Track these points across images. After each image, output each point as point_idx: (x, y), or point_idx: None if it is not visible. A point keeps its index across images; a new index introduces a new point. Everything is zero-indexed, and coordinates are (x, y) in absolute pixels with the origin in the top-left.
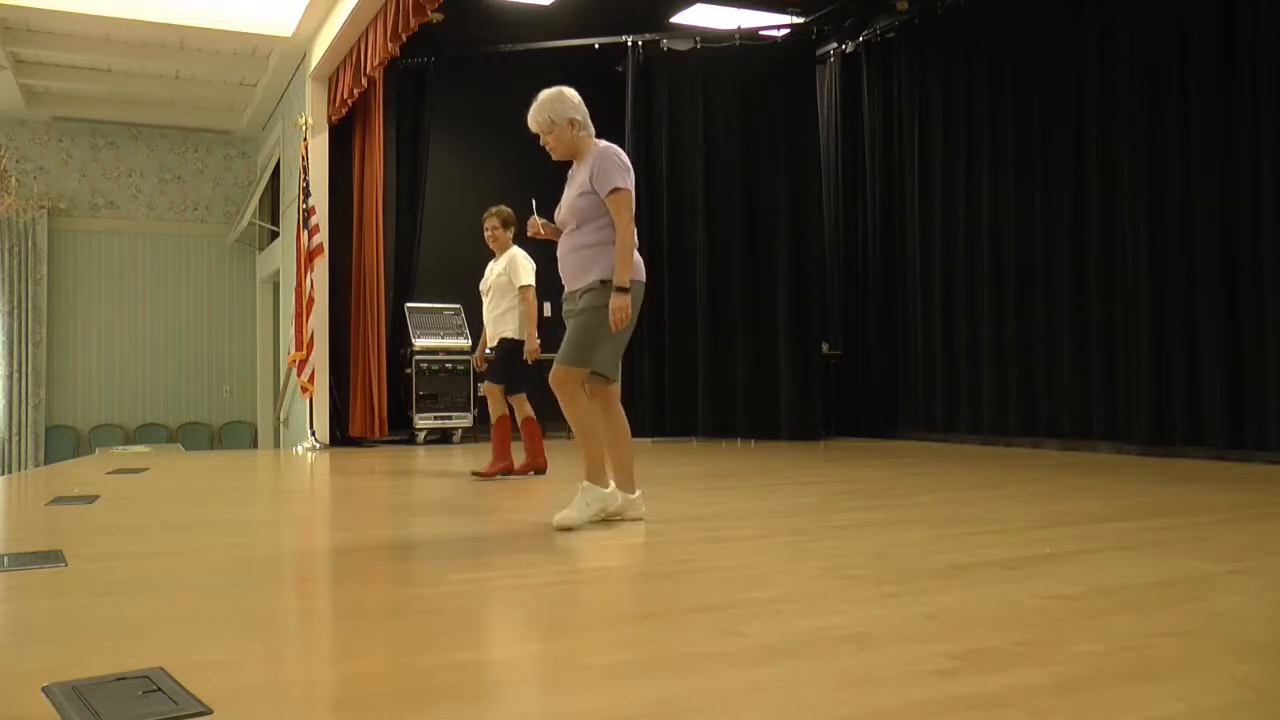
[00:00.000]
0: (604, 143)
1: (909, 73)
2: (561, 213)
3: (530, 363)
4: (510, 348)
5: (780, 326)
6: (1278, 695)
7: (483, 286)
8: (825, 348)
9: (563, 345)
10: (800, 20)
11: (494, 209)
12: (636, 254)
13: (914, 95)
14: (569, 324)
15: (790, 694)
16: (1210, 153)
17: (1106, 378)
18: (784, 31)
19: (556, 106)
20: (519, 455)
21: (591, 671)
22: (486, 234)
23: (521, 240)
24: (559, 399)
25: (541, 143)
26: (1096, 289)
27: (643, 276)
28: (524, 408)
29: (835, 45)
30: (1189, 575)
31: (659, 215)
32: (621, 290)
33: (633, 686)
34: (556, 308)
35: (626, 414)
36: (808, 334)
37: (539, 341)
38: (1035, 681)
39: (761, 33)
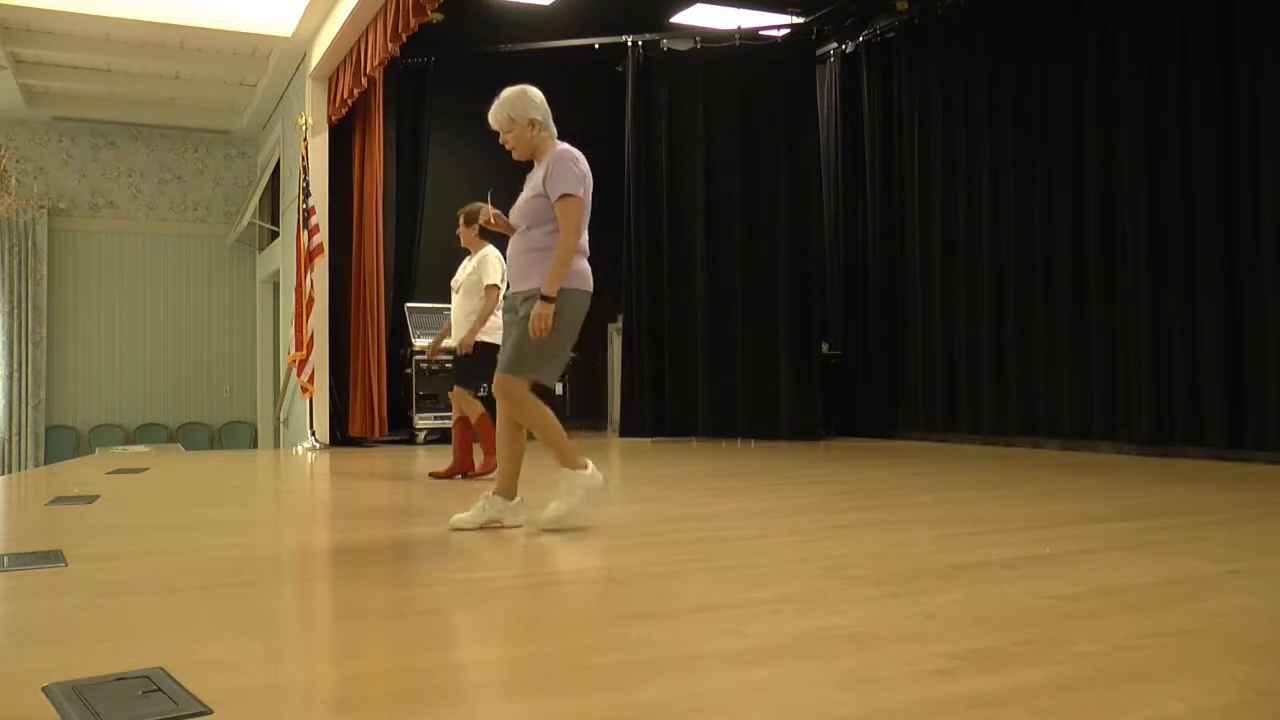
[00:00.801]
0: (564, 146)
1: (909, 73)
2: (514, 213)
3: (461, 354)
4: (481, 350)
5: (780, 326)
6: (1278, 695)
7: (453, 283)
8: (825, 348)
9: (504, 353)
10: (800, 20)
11: (462, 208)
12: (584, 262)
13: (914, 95)
14: (507, 323)
15: (790, 694)
16: (1210, 153)
17: (1106, 378)
18: (784, 31)
19: (517, 105)
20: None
21: (591, 671)
22: (457, 232)
23: (486, 233)
24: (507, 406)
25: (501, 141)
26: (1096, 289)
27: (588, 285)
28: (474, 407)
29: (835, 45)
30: (1189, 575)
31: (659, 215)
32: (546, 299)
33: (633, 686)
34: None
35: (627, 414)
36: (808, 334)
37: (475, 340)
38: (1035, 681)
39: (761, 33)
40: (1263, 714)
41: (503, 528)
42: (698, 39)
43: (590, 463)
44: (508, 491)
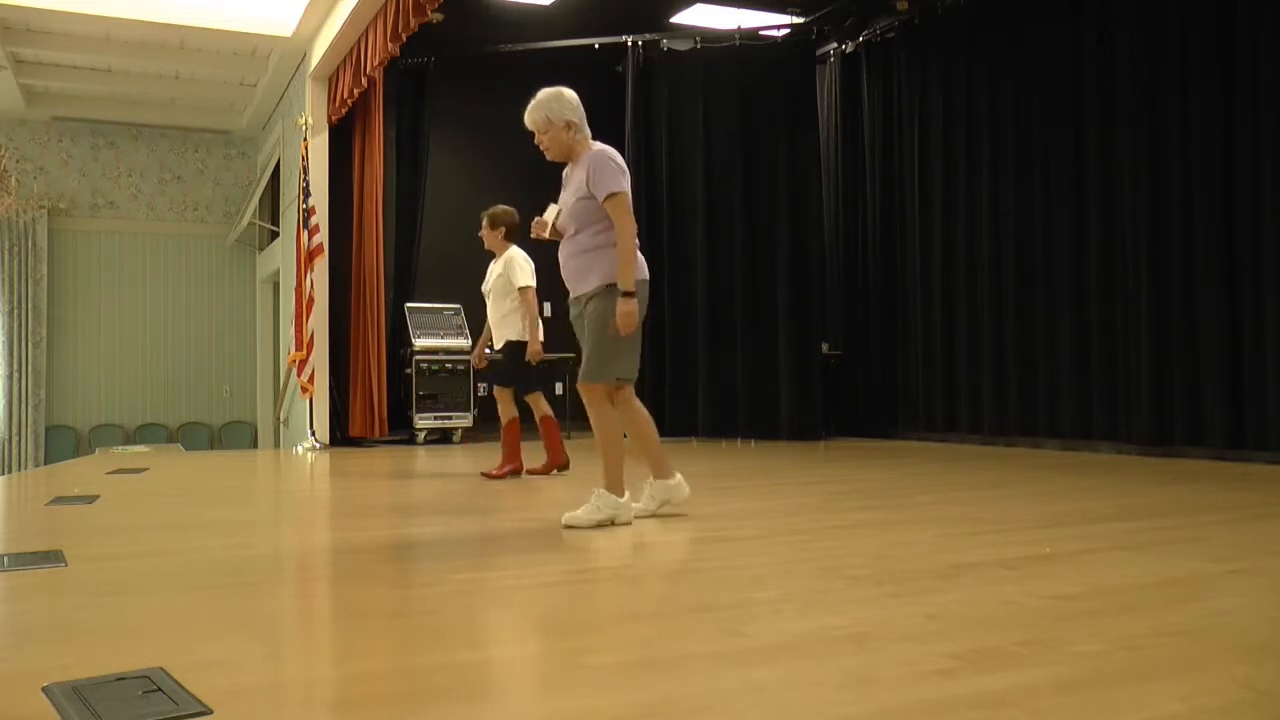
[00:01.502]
0: (599, 145)
1: (909, 73)
2: (560, 217)
3: (534, 363)
4: (516, 349)
5: (780, 326)
6: (1278, 695)
7: (484, 288)
8: (825, 348)
9: (584, 359)
10: (800, 20)
11: (487, 210)
12: (639, 253)
13: (914, 95)
14: (577, 329)
15: (790, 694)
16: (1210, 153)
17: (1106, 378)
18: (784, 31)
19: (554, 106)
20: (534, 457)
21: (591, 671)
22: (480, 234)
23: (522, 239)
24: (587, 409)
25: (536, 141)
26: (1096, 289)
27: (646, 275)
28: (541, 406)
29: (835, 45)
30: (1189, 575)
31: (659, 215)
32: (628, 295)
33: (633, 686)
34: (557, 309)
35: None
36: (808, 334)
37: (541, 343)
38: (1035, 681)
39: (761, 33)
40: (1263, 714)
41: (672, 507)
42: (698, 39)
43: (628, 493)
44: (665, 472)
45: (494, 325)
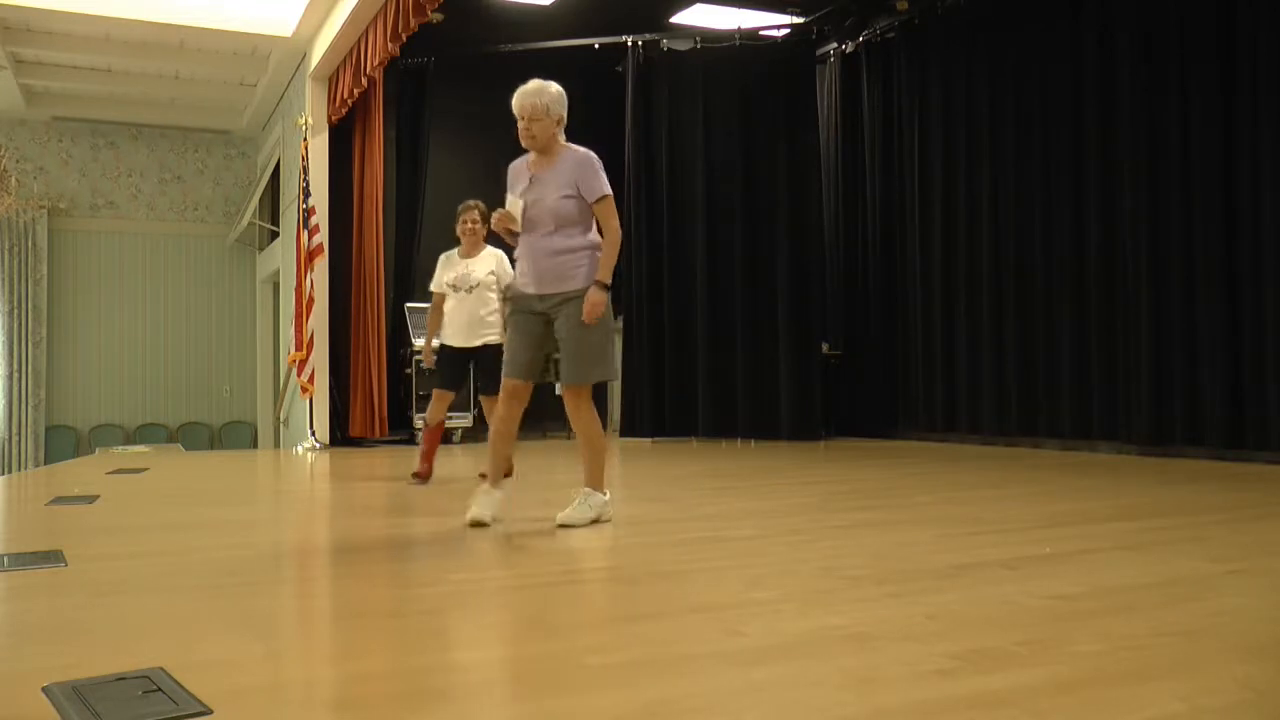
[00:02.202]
0: (581, 149)
1: (909, 73)
2: (530, 211)
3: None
4: (496, 353)
5: (780, 326)
6: (1278, 695)
7: (458, 284)
8: (825, 348)
9: (571, 364)
10: (800, 20)
11: (474, 202)
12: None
13: (914, 95)
14: (521, 326)
15: (790, 694)
16: (1210, 153)
17: (1106, 378)
18: (784, 31)
19: (553, 99)
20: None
21: (591, 671)
22: (466, 227)
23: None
24: (573, 410)
25: (521, 125)
26: (1096, 289)
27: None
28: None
29: (835, 45)
30: (1189, 575)
31: (659, 215)
32: (605, 287)
33: (633, 686)
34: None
35: (627, 414)
36: (808, 334)
37: (489, 342)
38: (1035, 681)
39: (761, 33)
40: (1263, 714)
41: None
42: (698, 39)
43: (608, 492)
44: (497, 480)
45: (472, 325)
